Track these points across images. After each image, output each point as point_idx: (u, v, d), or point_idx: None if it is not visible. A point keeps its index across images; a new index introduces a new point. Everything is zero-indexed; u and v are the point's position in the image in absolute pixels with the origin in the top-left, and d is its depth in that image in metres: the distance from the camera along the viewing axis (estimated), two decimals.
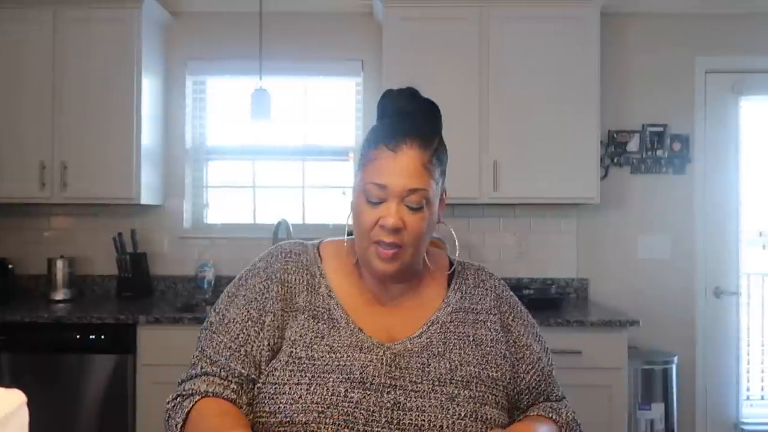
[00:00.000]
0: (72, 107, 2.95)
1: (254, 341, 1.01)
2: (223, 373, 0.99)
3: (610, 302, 3.21)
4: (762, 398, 3.35)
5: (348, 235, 1.10)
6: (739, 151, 3.32)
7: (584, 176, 2.96)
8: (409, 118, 1.02)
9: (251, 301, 1.04)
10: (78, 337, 2.64)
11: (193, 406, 0.95)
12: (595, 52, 2.97)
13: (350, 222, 1.06)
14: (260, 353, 1.00)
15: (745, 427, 3.24)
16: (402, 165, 0.97)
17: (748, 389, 3.34)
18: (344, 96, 3.41)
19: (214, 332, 1.04)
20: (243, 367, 1.00)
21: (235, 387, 0.98)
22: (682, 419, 3.13)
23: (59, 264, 3.07)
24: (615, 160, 3.30)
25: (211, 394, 0.97)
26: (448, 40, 2.97)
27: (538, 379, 1.08)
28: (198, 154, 3.42)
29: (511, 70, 2.97)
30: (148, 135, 3.08)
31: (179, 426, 0.94)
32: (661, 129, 3.29)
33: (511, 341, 1.09)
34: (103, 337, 2.64)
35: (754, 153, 3.34)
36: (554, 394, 1.11)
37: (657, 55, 3.31)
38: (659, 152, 3.29)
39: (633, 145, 3.29)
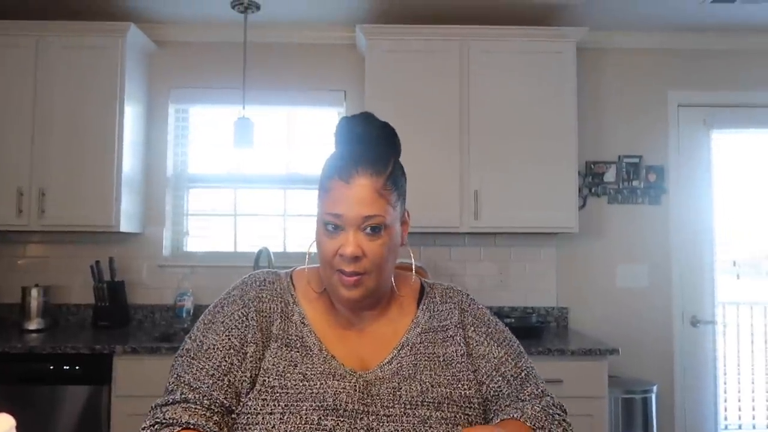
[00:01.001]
0: (52, 133, 2.93)
1: (237, 371, 1.00)
2: (206, 402, 0.97)
3: (590, 331, 3.24)
4: (739, 427, 3.37)
5: (312, 262, 1.11)
6: (712, 183, 3.41)
7: (563, 206, 3.01)
8: (361, 145, 1.04)
9: (231, 329, 1.03)
10: (51, 367, 2.57)
11: None
12: (572, 85, 3.05)
13: (313, 250, 1.08)
14: (242, 384, 0.99)
15: None
16: (355, 194, 0.99)
17: (726, 417, 3.36)
18: (327, 125, 3.44)
19: (192, 358, 1.01)
20: (225, 398, 0.98)
21: (218, 419, 0.96)
22: None
23: (33, 292, 3.00)
24: (592, 190, 3.36)
25: (192, 426, 0.94)
26: (429, 72, 3.03)
27: (498, 386, 1.06)
28: (179, 181, 3.41)
29: (491, 102, 3.03)
30: (129, 162, 3.07)
31: None
32: (636, 160, 3.37)
33: (474, 354, 1.08)
34: (77, 367, 2.58)
35: (726, 184, 3.43)
36: (525, 393, 1.06)
37: (631, 88, 3.41)
38: (635, 183, 3.36)
39: (610, 176, 3.36)
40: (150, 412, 0.98)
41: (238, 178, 3.41)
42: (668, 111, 3.40)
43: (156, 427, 0.95)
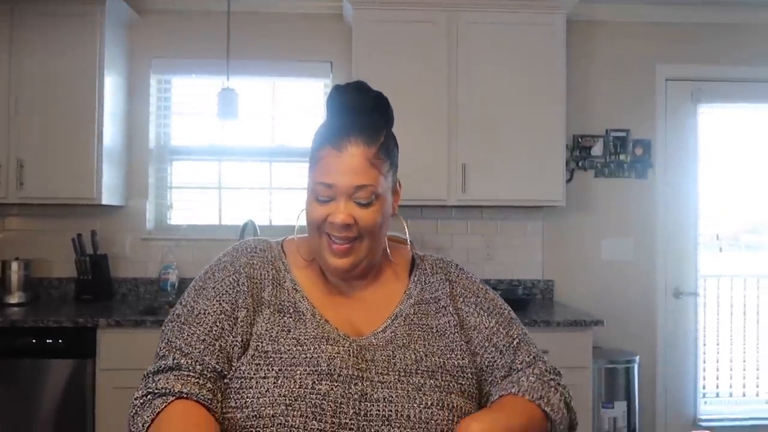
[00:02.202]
0: (30, 104, 2.85)
1: (228, 336, 0.99)
2: (198, 367, 0.96)
3: (575, 303, 3.27)
4: (717, 395, 3.45)
5: (301, 233, 1.11)
6: (698, 157, 3.43)
7: (550, 179, 3.01)
8: (354, 114, 1.03)
9: (222, 294, 1.02)
10: (34, 341, 2.55)
11: (165, 407, 0.91)
12: (562, 58, 3.02)
13: (301, 222, 1.07)
14: (233, 349, 0.98)
15: (703, 423, 3.34)
16: (347, 163, 0.98)
17: (704, 387, 3.44)
18: (313, 97, 3.38)
19: (183, 323, 1.00)
20: (217, 362, 0.97)
21: (211, 385, 0.95)
22: (644, 417, 3.20)
23: (14, 266, 2.96)
24: (580, 164, 3.36)
25: (185, 395, 0.92)
26: (417, 43, 2.98)
27: (492, 356, 1.06)
28: (162, 153, 3.35)
29: (479, 74, 2.99)
30: (110, 134, 3.00)
31: (146, 426, 0.89)
32: (624, 134, 3.37)
33: (466, 326, 1.08)
34: (60, 341, 2.56)
35: (712, 159, 3.45)
36: (518, 362, 1.06)
37: (620, 62, 3.39)
38: (622, 157, 3.37)
39: (597, 150, 3.36)
40: (142, 380, 0.97)
41: (222, 151, 3.36)
42: (656, 85, 3.40)
43: (149, 397, 0.93)
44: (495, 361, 1.06)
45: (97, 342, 2.58)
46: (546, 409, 0.98)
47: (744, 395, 3.46)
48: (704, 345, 3.44)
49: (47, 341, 2.56)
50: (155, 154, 3.32)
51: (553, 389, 1.02)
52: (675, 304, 3.40)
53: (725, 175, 3.47)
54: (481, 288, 1.15)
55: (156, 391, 0.93)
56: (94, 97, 2.89)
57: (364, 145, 0.99)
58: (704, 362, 3.44)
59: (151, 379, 0.96)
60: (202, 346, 0.97)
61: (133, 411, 0.93)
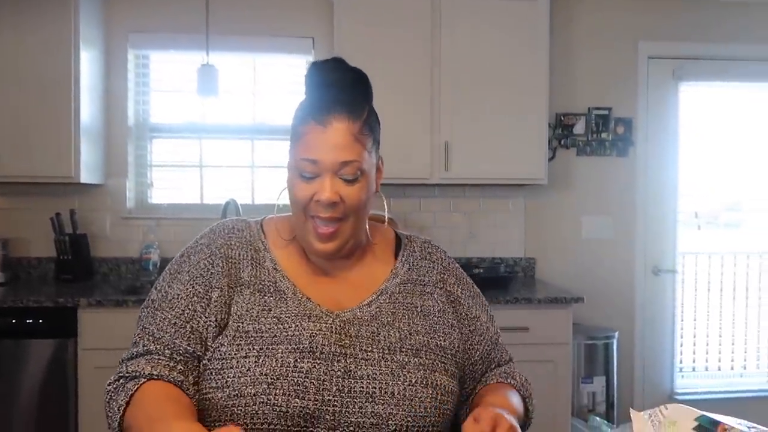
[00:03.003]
0: (4, 80, 2.78)
1: (200, 317, 0.98)
2: (167, 351, 0.96)
3: (556, 280, 3.31)
4: (693, 369, 3.54)
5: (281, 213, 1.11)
6: (678, 136, 3.46)
7: (533, 157, 3.02)
8: (335, 89, 1.01)
9: (196, 278, 1.01)
10: (14, 321, 2.52)
11: (137, 389, 0.91)
12: (545, 36, 3.01)
13: (282, 201, 1.07)
14: (206, 329, 0.97)
15: (679, 397, 3.43)
16: (332, 138, 0.96)
17: (681, 362, 3.52)
18: (294, 74, 3.34)
19: (156, 309, 1.00)
20: (188, 344, 0.97)
21: (182, 367, 0.95)
22: (622, 391, 3.27)
23: None
24: (562, 142, 3.37)
25: (156, 377, 0.93)
26: (400, 20, 2.95)
27: (488, 348, 1.12)
28: (141, 131, 3.29)
29: (462, 52, 2.97)
30: (88, 110, 2.94)
31: (122, 409, 0.90)
32: (606, 112, 3.38)
33: (462, 313, 1.11)
34: (41, 321, 2.53)
35: (692, 137, 3.48)
36: (503, 359, 1.15)
37: (603, 39, 3.39)
38: (604, 135, 3.38)
39: (579, 128, 3.37)
40: (117, 367, 0.98)
41: (203, 129, 3.31)
42: (638, 62, 3.40)
43: (120, 381, 0.94)
44: (490, 354, 1.12)
45: (79, 322, 2.56)
46: (530, 407, 1.08)
47: (719, 369, 3.55)
48: (682, 321, 3.52)
49: (27, 321, 2.53)
50: (134, 132, 3.27)
51: (530, 387, 1.13)
52: (654, 281, 3.45)
53: (705, 153, 3.51)
54: (469, 280, 1.19)
55: (127, 374, 0.94)
56: (70, 73, 2.82)
57: (349, 120, 0.98)
58: (681, 338, 3.52)
59: (124, 364, 0.97)
60: (173, 330, 0.97)
61: (108, 397, 0.94)
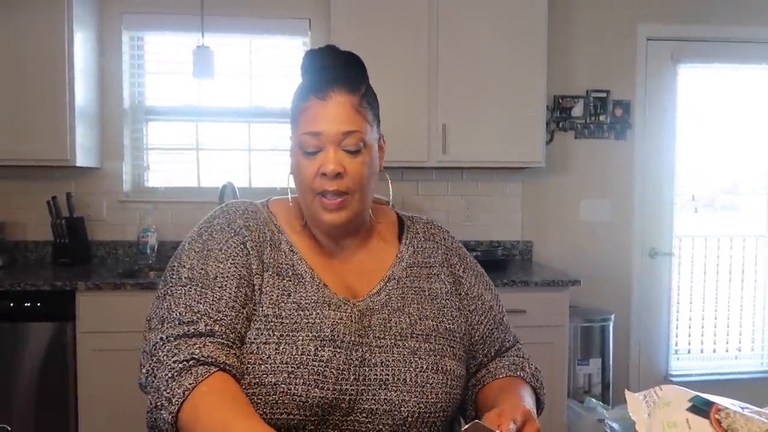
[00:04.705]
0: None
1: (250, 302, 0.96)
2: (231, 336, 0.92)
3: (553, 263, 3.32)
4: (688, 351, 3.57)
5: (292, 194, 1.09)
6: (676, 118, 3.45)
7: (531, 140, 3.01)
8: (332, 70, 1.02)
9: (233, 257, 0.98)
10: (12, 305, 2.52)
11: (207, 377, 0.85)
12: (543, 18, 2.98)
13: (291, 185, 1.05)
14: (253, 317, 0.95)
15: (674, 379, 3.46)
16: (333, 110, 0.97)
17: (676, 344, 3.55)
18: (291, 55, 3.31)
19: (203, 287, 0.94)
20: (244, 329, 0.93)
21: (237, 353, 0.92)
22: (617, 373, 3.30)
23: None
24: (560, 125, 3.36)
25: (229, 368, 0.88)
26: (397, 1, 2.91)
27: (491, 327, 1.11)
28: (137, 114, 3.27)
29: (460, 34, 2.95)
30: (82, 93, 2.92)
31: (186, 394, 0.83)
32: (604, 95, 3.37)
33: (463, 293, 1.11)
34: (39, 304, 2.54)
35: (690, 119, 3.47)
36: (507, 340, 1.13)
37: (602, 21, 3.36)
38: (602, 117, 3.37)
39: (577, 111, 3.36)
40: (167, 342, 0.89)
41: (199, 111, 3.29)
42: (637, 44, 3.38)
43: (191, 362, 0.86)
44: (492, 333, 1.11)
45: (77, 305, 2.56)
46: (542, 398, 1.07)
47: (714, 351, 3.58)
48: (677, 304, 3.54)
49: (26, 305, 2.53)
50: (130, 115, 3.24)
51: (541, 377, 1.11)
52: (650, 263, 3.47)
53: (703, 136, 3.50)
54: (473, 260, 1.18)
55: (201, 358, 0.86)
56: (64, 54, 2.78)
57: (348, 93, 0.99)
58: (677, 320, 3.54)
59: (184, 342, 0.88)
60: (233, 314, 0.93)
61: (170, 373, 0.85)
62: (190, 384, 0.83)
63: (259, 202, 1.12)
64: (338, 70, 1.02)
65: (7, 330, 2.54)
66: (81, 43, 2.90)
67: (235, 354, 0.91)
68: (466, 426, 0.79)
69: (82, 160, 2.90)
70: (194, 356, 0.86)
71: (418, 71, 2.94)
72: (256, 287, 0.97)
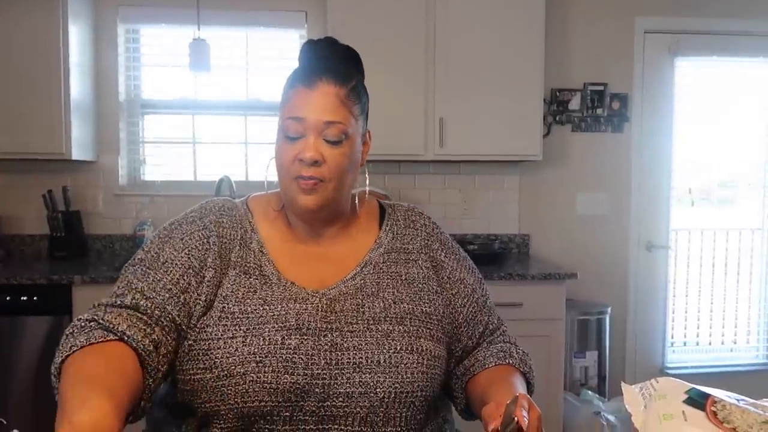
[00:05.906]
0: None
1: (193, 292, 0.97)
2: (156, 313, 0.93)
3: (550, 256, 3.33)
4: (684, 344, 3.59)
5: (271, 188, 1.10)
6: (673, 111, 3.45)
7: (528, 134, 3.01)
8: (325, 61, 1.04)
9: (191, 249, 1.00)
10: (8, 298, 2.52)
11: (99, 342, 0.85)
12: (540, 10, 2.97)
13: (271, 177, 1.07)
14: (196, 306, 0.97)
15: (670, 372, 3.47)
16: (318, 98, 0.98)
17: (672, 336, 3.56)
18: (287, 48, 3.30)
19: (148, 268, 0.97)
20: (178, 314, 0.94)
21: (157, 336, 0.90)
22: (614, 365, 3.32)
23: None
24: (557, 119, 3.36)
25: (126, 339, 0.86)
26: None
27: (474, 310, 1.11)
28: (133, 107, 3.26)
29: (457, 27, 2.94)
30: (78, 86, 2.90)
31: (74, 350, 0.83)
32: (601, 88, 3.36)
33: (445, 277, 1.11)
34: (35, 298, 2.53)
35: (687, 113, 3.47)
36: (492, 323, 1.14)
37: (599, 14, 3.35)
38: (599, 111, 3.37)
39: (575, 104, 3.35)
40: (92, 307, 0.92)
41: (195, 105, 3.28)
42: (634, 37, 3.37)
43: (92, 324, 0.88)
44: (476, 316, 1.11)
45: (73, 299, 2.56)
46: (532, 381, 1.08)
47: (710, 344, 3.59)
48: (674, 296, 3.55)
49: (22, 299, 2.53)
50: (126, 108, 3.23)
51: (530, 360, 1.10)
52: (647, 257, 3.48)
53: (700, 129, 3.50)
54: (455, 244, 1.18)
55: (101, 322, 0.88)
56: (59, 47, 2.77)
57: (336, 84, 0.99)
58: (673, 313, 3.55)
59: (102, 309, 0.91)
60: (167, 295, 0.95)
61: (70, 330, 0.88)
62: (81, 342, 0.84)
63: (239, 199, 1.13)
64: (331, 61, 1.03)
65: (4, 324, 2.53)
66: (76, 36, 2.88)
67: (145, 330, 0.89)
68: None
69: (77, 153, 2.89)
70: (96, 319, 0.89)
71: (415, 64, 2.93)
72: (206, 280, 0.98)
